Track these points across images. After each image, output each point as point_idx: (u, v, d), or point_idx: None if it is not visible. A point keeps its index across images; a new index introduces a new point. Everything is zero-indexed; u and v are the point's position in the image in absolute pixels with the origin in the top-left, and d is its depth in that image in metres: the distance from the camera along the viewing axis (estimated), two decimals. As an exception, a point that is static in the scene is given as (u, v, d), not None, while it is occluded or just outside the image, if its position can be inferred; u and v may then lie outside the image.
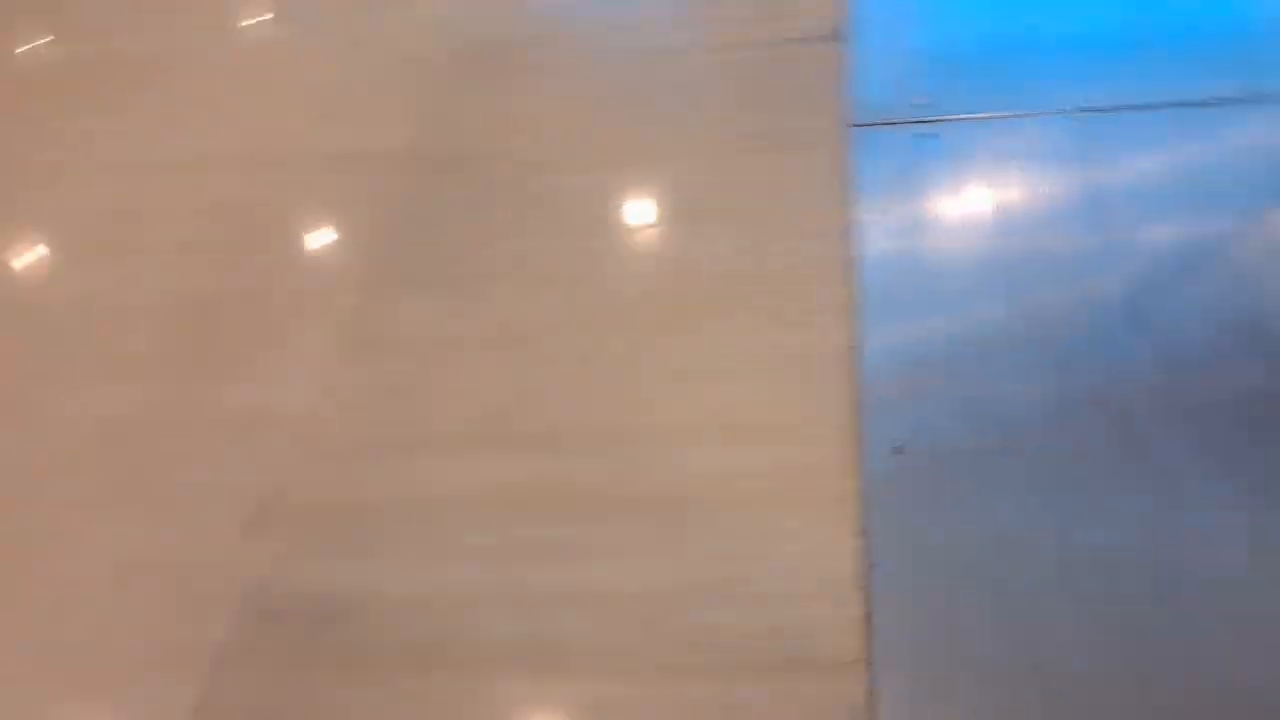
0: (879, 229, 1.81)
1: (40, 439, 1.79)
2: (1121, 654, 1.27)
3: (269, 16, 2.79)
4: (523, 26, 2.51)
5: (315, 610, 1.48)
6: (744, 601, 1.40)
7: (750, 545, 1.46)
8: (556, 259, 1.93)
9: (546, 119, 2.22)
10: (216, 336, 1.91)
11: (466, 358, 1.79)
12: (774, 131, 2.05)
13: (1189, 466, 1.43)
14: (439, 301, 1.89)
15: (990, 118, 1.96)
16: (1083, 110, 1.92)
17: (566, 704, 1.37)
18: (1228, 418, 1.48)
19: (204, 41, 2.69)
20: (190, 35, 2.72)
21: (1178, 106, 1.89)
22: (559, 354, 1.76)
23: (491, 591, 1.47)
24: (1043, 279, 1.69)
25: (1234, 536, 1.36)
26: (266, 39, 2.73)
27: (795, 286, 1.78)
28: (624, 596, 1.44)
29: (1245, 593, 1.31)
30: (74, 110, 2.56)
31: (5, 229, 2.28)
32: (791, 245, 1.84)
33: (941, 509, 1.45)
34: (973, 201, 1.84)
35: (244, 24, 2.81)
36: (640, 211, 2.04)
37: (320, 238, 2.11)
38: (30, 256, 2.23)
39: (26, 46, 2.86)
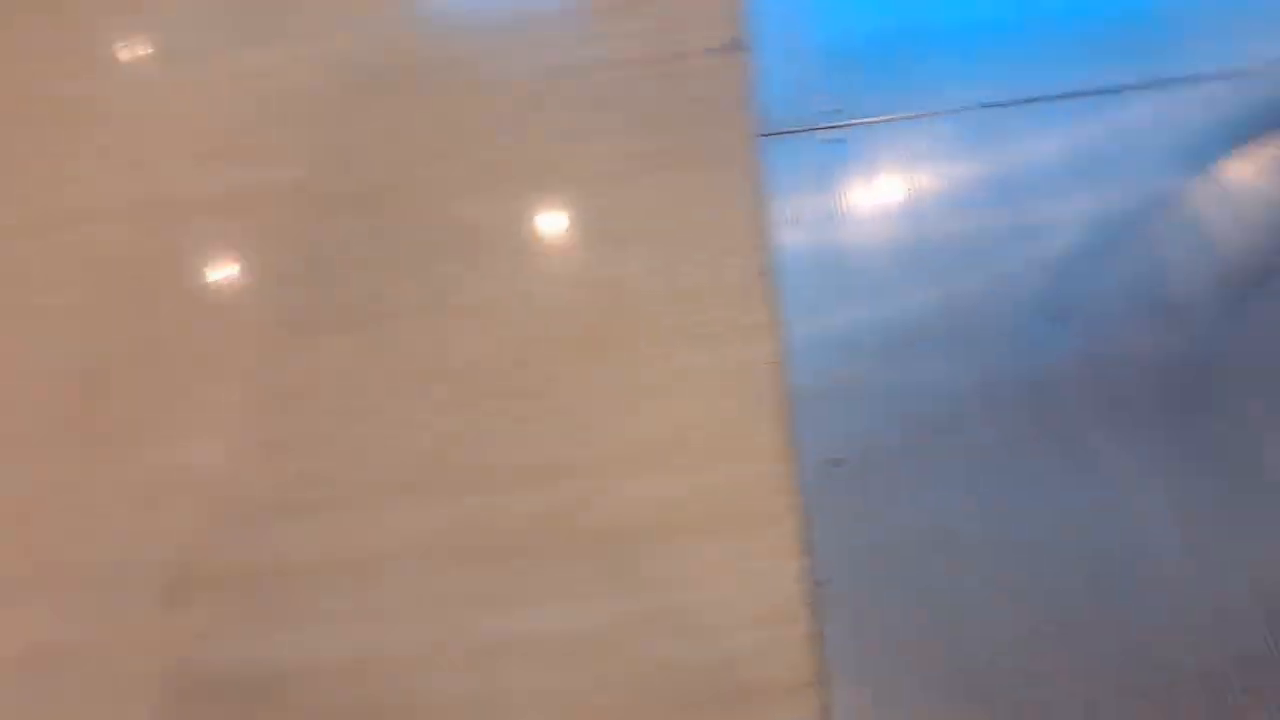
0: (795, 237, 1.81)
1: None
2: (1064, 646, 1.29)
3: (148, 53, 2.66)
4: (418, 52, 2.44)
5: (246, 685, 1.41)
6: (693, 633, 1.37)
7: (694, 574, 1.43)
8: (470, 291, 1.87)
9: (449, 146, 2.16)
10: (114, 402, 1.80)
11: (385, 402, 1.72)
12: (684, 146, 2.03)
13: (1112, 448, 1.46)
14: (351, 344, 1.82)
15: (896, 119, 1.97)
16: (985, 106, 1.95)
17: (519, 759, 1.33)
18: (1149, 398, 1.50)
19: (80, 88, 2.55)
20: (64, 81, 2.58)
21: (1076, 96, 1.93)
22: (479, 391, 1.71)
23: (431, 648, 1.41)
24: (961, 270, 1.70)
25: (1163, 517, 1.38)
26: (147, 78, 2.60)
27: (716, 303, 1.76)
28: (569, 639, 1.39)
29: (1179, 573, 1.33)
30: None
31: None
32: (708, 261, 1.81)
33: (882, 515, 1.45)
34: (886, 202, 1.84)
35: (122, 63, 2.67)
36: (553, 236, 2.00)
37: (219, 285, 2.01)
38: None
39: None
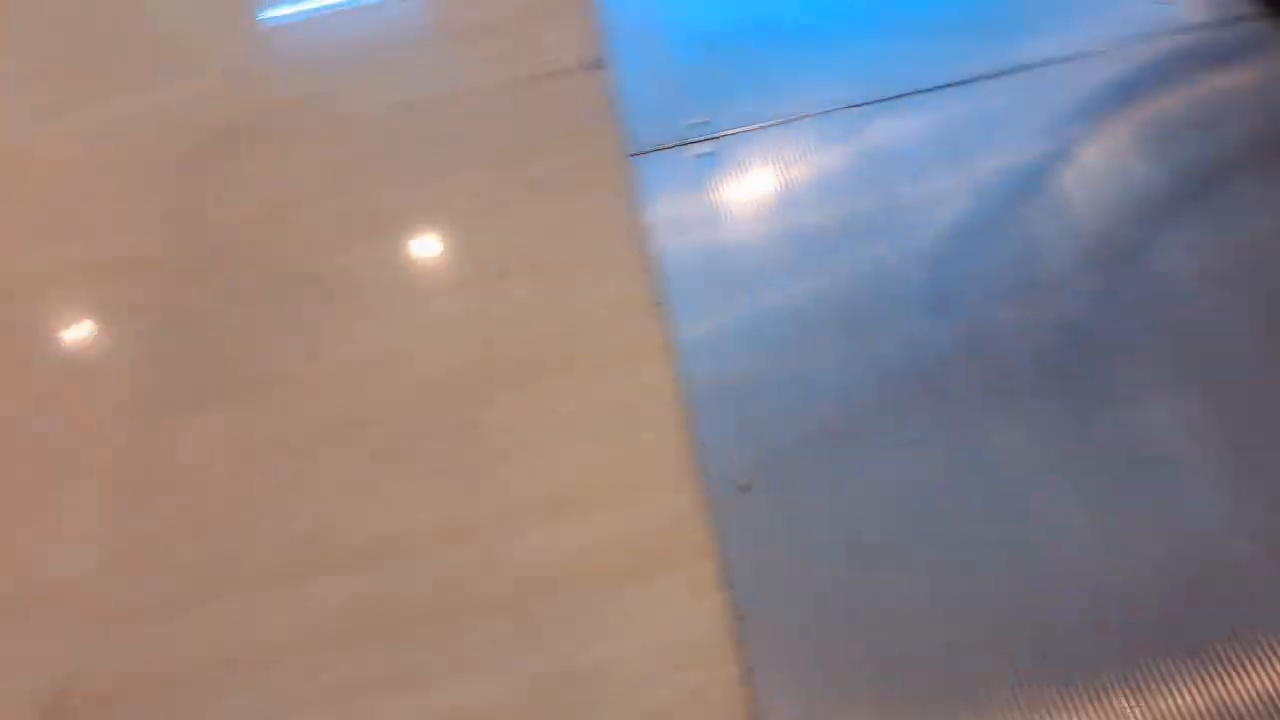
0: (677, 255, 1.77)
1: None
2: (984, 639, 1.29)
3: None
4: (266, 101, 2.31)
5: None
6: (619, 688, 1.31)
7: (613, 624, 1.37)
8: (344, 347, 1.77)
9: (308, 195, 2.05)
10: (-37, 514, 1.64)
11: (263, 479, 1.61)
12: (554, 172, 1.96)
13: (1004, 433, 1.47)
14: (222, 417, 1.70)
15: (767, 125, 1.95)
16: (851, 105, 1.95)
17: None
18: (1030, 379, 1.52)
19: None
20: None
21: (935, 90, 1.95)
22: (366, 453, 1.61)
23: (341, 742, 1.32)
24: (845, 273, 1.70)
25: (1065, 499, 1.40)
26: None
27: (605, 331, 1.70)
28: (489, 712, 1.32)
29: (1089, 555, 1.34)
30: None
31: None
32: (594, 290, 1.76)
33: (796, 535, 1.42)
34: (763, 210, 1.82)
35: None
36: (429, 277, 1.90)
37: (71, 371, 1.86)
38: None
39: None
